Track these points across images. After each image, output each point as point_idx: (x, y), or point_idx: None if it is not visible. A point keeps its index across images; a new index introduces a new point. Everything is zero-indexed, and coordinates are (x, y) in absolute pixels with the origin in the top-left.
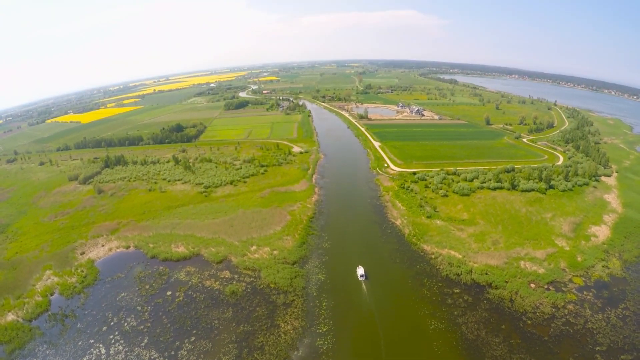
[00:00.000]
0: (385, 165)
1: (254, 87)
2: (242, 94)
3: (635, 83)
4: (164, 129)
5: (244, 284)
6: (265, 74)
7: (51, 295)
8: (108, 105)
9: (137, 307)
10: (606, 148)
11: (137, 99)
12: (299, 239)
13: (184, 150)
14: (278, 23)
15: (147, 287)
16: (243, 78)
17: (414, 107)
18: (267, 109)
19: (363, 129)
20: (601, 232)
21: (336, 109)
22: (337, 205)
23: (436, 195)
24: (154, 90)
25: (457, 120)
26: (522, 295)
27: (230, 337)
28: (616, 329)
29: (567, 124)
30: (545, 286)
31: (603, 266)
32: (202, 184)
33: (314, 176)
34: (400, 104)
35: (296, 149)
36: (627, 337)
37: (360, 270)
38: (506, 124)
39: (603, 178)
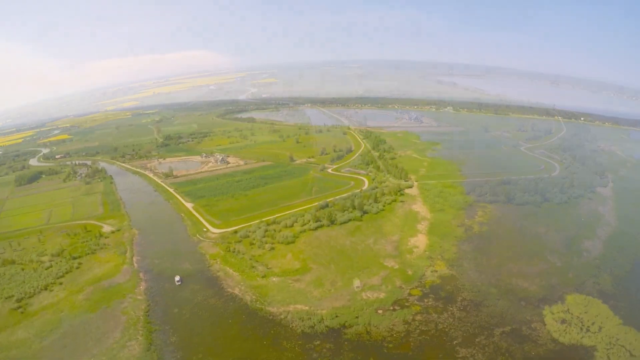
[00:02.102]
0: (205, 229)
1: (45, 150)
2: (34, 162)
3: (414, 95)
4: None
5: None
6: (56, 131)
7: None
8: None
9: None
10: (402, 161)
11: None
12: (143, 341)
13: None
14: (64, 70)
15: None
16: (32, 139)
17: (218, 155)
18: (64, 180)
19: (171, 190)
20: (420, 242)
21: (139, 170)
22: (169, 289)
23: (264, 251)
24: None
25: (263, 162)
26: (374, 324)
27: None
28: (462, 320)
29: (363, 146)
30: (391, 308)
31: (432, 271)
32: (13, 296)
33: (134, 259)
34: (204, 154)
35: (107, 227)
36: (474, 322)
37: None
38: (309, 157)
39: (407, 190)
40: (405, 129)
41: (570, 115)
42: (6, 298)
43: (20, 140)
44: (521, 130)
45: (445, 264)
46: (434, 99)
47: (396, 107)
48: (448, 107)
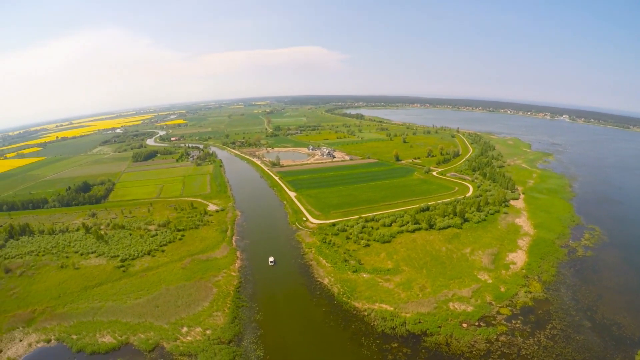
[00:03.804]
0: (304, 218)
1: (162, 132)
2: (150, 142)
3: (528, 100)
4: (69, 188)
5: None
6: (172, 116)
7: None
8: (7, 156)
9: None
10: (511, 171)
11: (38, 148)
12: (229, 313)
13: (93, 215)
14: (183, 61)
15: None
16: (150, 122)
17: (325, 148)
18: (177, 160)
19: (277, 178)
20: (518, 258)
21: (247, 156)
22: (262, 269)
23: (358, 247)
24: (57, 137)
25: (368, 159)
26: (456, 337)
27: None
28: (548, 350)
29: (471, 150)
30: (476, 323)
31: (525, 292)
32: (118, 256)
33: (233, 238)
34: (311, 147)
35: (212, 207)
36: (559, 355)
37: (270, 258)
38: (415, 158)
39: (512, 202)
40: (319, 165)
41: None
42: (112, 257)
43: (140, 122)
44: None
45: (541, 286)
46: (547, 106)
47: (508, 112)
48: (564, 115)
